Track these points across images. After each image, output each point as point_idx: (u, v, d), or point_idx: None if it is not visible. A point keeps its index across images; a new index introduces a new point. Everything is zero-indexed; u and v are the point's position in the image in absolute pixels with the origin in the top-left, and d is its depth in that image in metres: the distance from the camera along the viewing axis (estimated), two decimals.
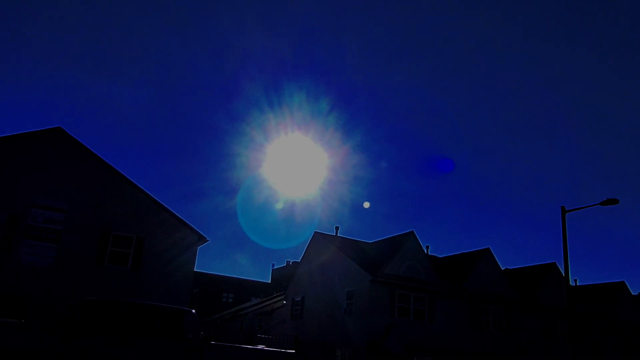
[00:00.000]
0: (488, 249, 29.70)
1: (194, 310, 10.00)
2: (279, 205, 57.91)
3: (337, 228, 32.41)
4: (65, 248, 18.64)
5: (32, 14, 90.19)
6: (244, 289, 64.59)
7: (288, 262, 65.19)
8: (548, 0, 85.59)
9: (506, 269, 33.01)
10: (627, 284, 34.29)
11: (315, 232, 32.46)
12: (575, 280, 36.79)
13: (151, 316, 9.42)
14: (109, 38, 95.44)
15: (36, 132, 19.53)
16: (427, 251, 31.58)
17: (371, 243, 31.70)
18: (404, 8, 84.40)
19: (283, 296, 35.96)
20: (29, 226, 18.32)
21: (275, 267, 69.32)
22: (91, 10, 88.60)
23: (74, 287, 17.43)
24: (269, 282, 67.69)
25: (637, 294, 36.78)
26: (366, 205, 54.29)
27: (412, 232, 27.74)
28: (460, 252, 32.29)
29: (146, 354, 8.87)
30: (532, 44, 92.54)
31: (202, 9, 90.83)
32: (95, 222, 19.45)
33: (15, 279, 17.42)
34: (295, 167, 52.70)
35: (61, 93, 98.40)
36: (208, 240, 21.61)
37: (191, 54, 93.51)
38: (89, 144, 22.45)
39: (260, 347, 11.23)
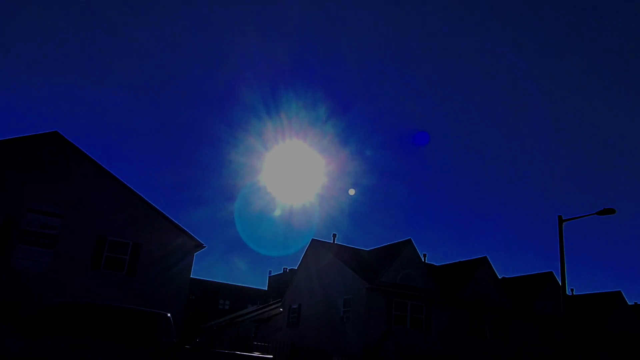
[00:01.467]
0: (485, 257, 29.70)
1: (169, 314, 9.89)
2: (277, 213, 57.79)
3: (334, 235, 32.37)
4: (61, 253, 18.54)
5: (25, 17, 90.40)
6: (240, 296, 64.33)
7: (285, 269, 65.04)
8: (548, 9, 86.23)
9: (503, 278, 32.98)
10: (623, 294, 34.29)
11: (312, 239, 32.41)
12: (572, 290, 36.79)
13: (122, 319, 9.33)
14: (107, 45, 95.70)
15: (32, 136, 19.49)
16: (425, 259, 31.55)
17: (369, 251, 31.65)
18: (402, 14, 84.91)
19: (280, 303, 35.83)
20: (24, 231, 18.23)
21: (272, 274, 69.17)
22: (89, 16, 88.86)
23: (69, 292, 17.31)
24: (266, 289, 67.47)
25: (633, 303, 36.76)
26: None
27: (410, 240, 27.73)
28: (457, 260, 32.29)
29: (113, 358, 8.78)
30: (527, 51, 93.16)
31: (199, 16, 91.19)
32: (91, 228, 19.37)
33: (10, 283, 17.30)
34: (293, 174, 52.71)
35: (59, 98, 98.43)
36: (205, 247, 21.56)
37: (189, 62, 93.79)
38: (86, 149, 22.42)
39: (237, 352, 11.12)
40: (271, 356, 11.75)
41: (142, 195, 20.77)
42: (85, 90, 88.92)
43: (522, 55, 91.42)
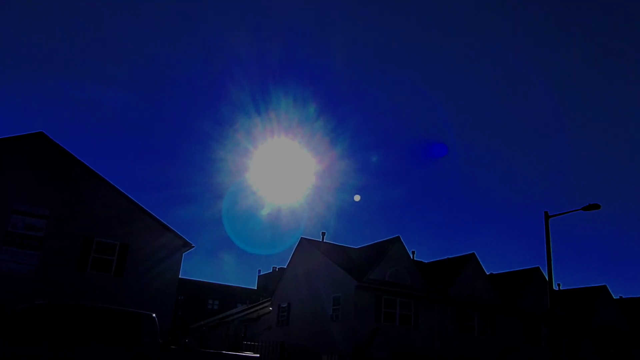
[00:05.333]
0: (473, 254, 29.94)
1: (154, 315, 9.82)
2: (265, 211, 57.77)
3: (323, 234, 32.42)
4: (47, 255, 18.30)
5: (13, 15, 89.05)
6: (229, 295, 64.14)
7: (274, 268, 64.94)
8: (540, 5, 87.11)
9: (491, 274, 33.30)
10: (608, 288, 34.81)
11: (301, 237, 32.46)
12: (559, 285, 37.26)
13: (106, 320, 9.26)
14: (93, 41, 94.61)
15: (17, 137, 19.18)
16: (413, 256, 31.72)
17: (357, 249, 31.74)
18: (392, 12, 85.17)
19: (269, 302, 35.79)
20: (9, 233, 17.96)
21: (261, 273, 69.06)
22: (76, 13, 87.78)
23: (55, 294, 17.10)
24: (255, 288, 67.37)
25: (618, 298, 37.34)
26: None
27: (398, 237, 27.86)
28: (445, 257, 32.54)
29: (96, 358, 8.70)
30: (515, 50, 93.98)
31: (188, 12, 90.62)
32: (77, 229, 19.14)
33: None
34: (281, 173, 52.69)
35: (44, 96, 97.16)
36: (193, 247, 21.43)
37: (177, 58, 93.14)
38: (72, 148, 22.17)
39: (224, 352, 11.11)
40: (258, 355, 11.74)
41: (129, 194, 20.62)
42: (69, 87, 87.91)
43: (509, 54, 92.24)
